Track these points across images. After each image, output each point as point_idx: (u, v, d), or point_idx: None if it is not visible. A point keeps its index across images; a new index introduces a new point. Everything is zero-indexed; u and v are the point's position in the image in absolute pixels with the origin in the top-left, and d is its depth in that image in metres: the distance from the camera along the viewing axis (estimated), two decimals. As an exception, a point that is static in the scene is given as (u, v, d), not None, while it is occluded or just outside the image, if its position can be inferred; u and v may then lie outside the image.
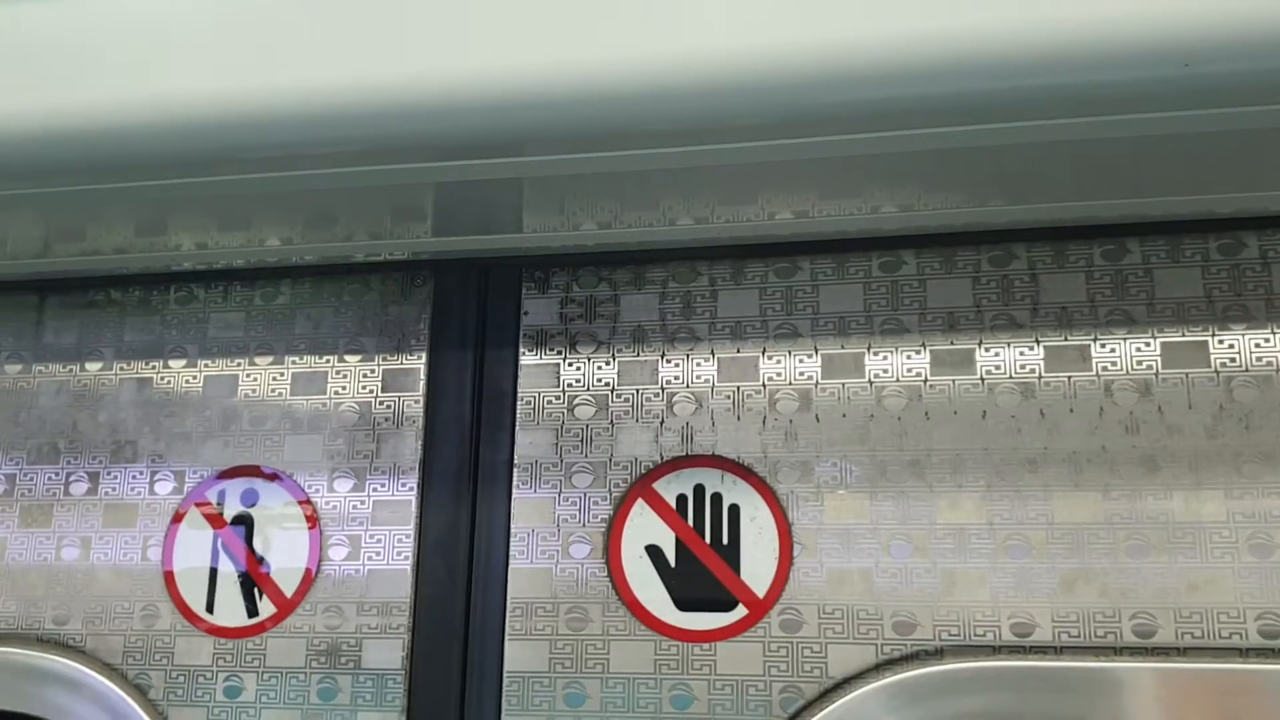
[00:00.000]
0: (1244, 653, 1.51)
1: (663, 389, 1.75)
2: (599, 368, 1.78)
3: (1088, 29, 1.21)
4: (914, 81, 1.29)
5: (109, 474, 1.90)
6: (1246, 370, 1.59)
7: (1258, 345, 1.60)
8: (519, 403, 1.79)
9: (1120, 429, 1.60)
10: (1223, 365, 1.60)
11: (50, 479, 1.92)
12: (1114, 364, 1.62)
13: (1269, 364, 1.59)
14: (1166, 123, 1.31)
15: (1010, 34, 1.24)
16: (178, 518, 1.86)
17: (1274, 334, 1.60)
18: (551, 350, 1.80)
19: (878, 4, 1.28)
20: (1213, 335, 1.61)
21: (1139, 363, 1.62)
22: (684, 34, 1.32)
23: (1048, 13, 1.21)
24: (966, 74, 1.27)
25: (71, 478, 1.92)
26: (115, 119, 1.47)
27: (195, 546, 1.84)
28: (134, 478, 1.89)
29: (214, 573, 1.83)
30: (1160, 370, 1.61)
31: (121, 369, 1.95)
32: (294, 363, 1.89)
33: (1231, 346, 1.60)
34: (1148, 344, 1.62)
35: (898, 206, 1.60)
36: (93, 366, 1.96)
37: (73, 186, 1.60)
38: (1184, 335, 1.62)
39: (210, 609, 1.81)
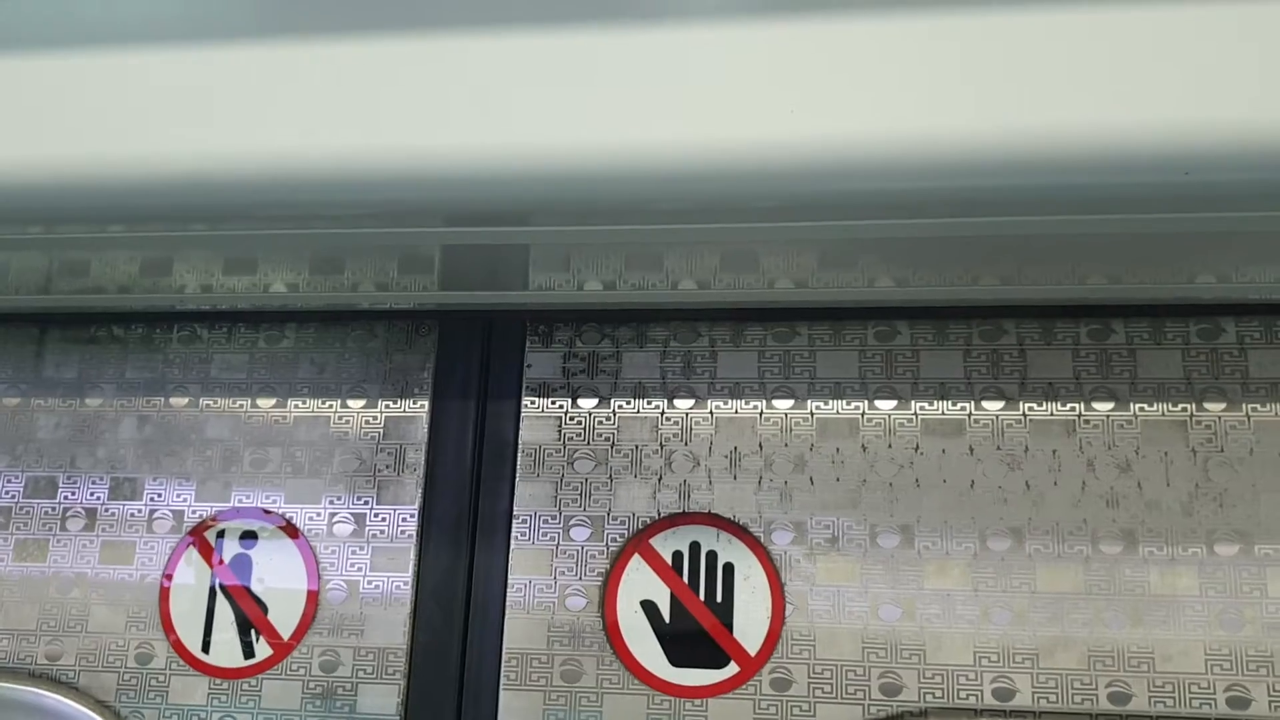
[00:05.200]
0: (1212, 722, 1.59)
1: (661, 446, 1.80)
2: (599, 423, 1.82)
3: (1094, 135, 1.27)
4: (918, 177, 1.34)
5: (107, 510, 1.92)
6: (1222, 450, 1.67)
7: (1233, 427, 1.68)
8: (520, 454, 1.83)
9: (1101, 502, 1.67)
10: (1199, 445, 1.68)
11: (47, 513, 1.93)
12: (1097, 439, 1.70)
13: (1243, 445, 1.67)
14: (1161, 223, 1.38)
15: (1020, 137, 1.30)
16: (175, 555, 1.88)
17: (1249, 416, 1.67)
18: (553, 403, 1.85)
19: (886, 100, 1.33)
20: (1191, 415, 1.69)
21: (1120, 439, 1.69)
22: (692, 118, 1.36)
23: (1061, 120, 1.27)
24: (970, 173, 1.32)
25: (69, 512, 1.93)
26: (128, 172, 1.48)
27: (192, 586, 1.86)
28: (132, 515, 1.91)
29: (210, 612, 1.85)
30: (1140, 447, 1.69)
31: (122, 405, 1.96)
32: (297, 406, 1.91)
33: (1208, 427, 1.68)
34: (1129, 421, 1.70)
35: (893, 280, 1.66)
36: (93, 402, 1.98)
37: (81, 234, 1.61)
38: (1164, 414, 1.69)
39: (206, 649, 1.83)
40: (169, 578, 1.87)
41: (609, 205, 1.43)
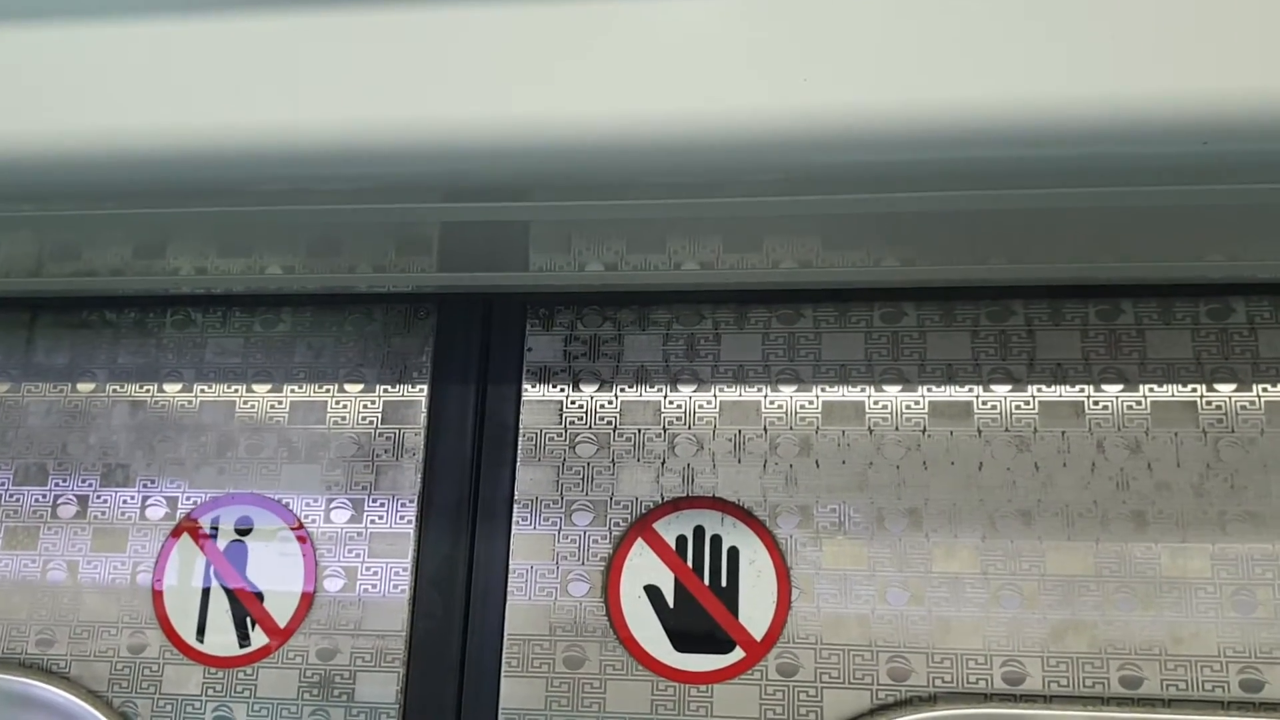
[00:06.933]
0: (1225, 705, 1.57)
1: (665, 429, 1.77)
2: (601, 406, 1.80)
3: (1113, 105, 1.25)
4: (931, 147, 1.32)
5: (99, 497, 1.88)
6: (1232, 431, 1.65)
7: (1243, 407, 1.66)
8: (520, 438, 1.80)
9: (1111, 485, 1.65)
10: (1210, 425, 1.66)
11: (38, 500, 1.90)
12: (1106, 420, 1.68)
13: (1254, 425, 1.65)
14: (1176, 195, 1.35)
15: (1029, 106, 1.27)
16: (169, 543, 1.85)
17: (1259, 396, 1.66)
18: (554, 387, 1.82)
19: (893, 69, 1.30)
20: (1201, 396, 1.67)
21: (1130, 420, 1.67)
22: (696, 89, 1.33)
23: (1072, 88, 1.25)
24: (981, 143, 1.30)
25: (60, 500, 1.89)
26: (121, 146, 1.45)
27: (187, 573, 1.83)
28: (125, 502, 1.88)
29: (205, 600, 1.82)
30: (1150, 428, 1.67)
31: (114, 391, 1.93)
32: (293, 391, 1.88)
33: (1219, 407, 1.66)
34: (1139, 402, 1.68)
35: (900, 260, 1.64)
36: (84, 387, 1.94)
37: (73, 211, 1.58)
38: (1173, 395, 1.67)
39: (201, 637, 1.80)
40: (162, 566, 1.84)
41: (612, 178, 1.40)
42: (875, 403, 1.73)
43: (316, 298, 1.92)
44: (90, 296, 1.97)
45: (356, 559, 1.79)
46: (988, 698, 1.61)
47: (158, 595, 1.83)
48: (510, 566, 1.75)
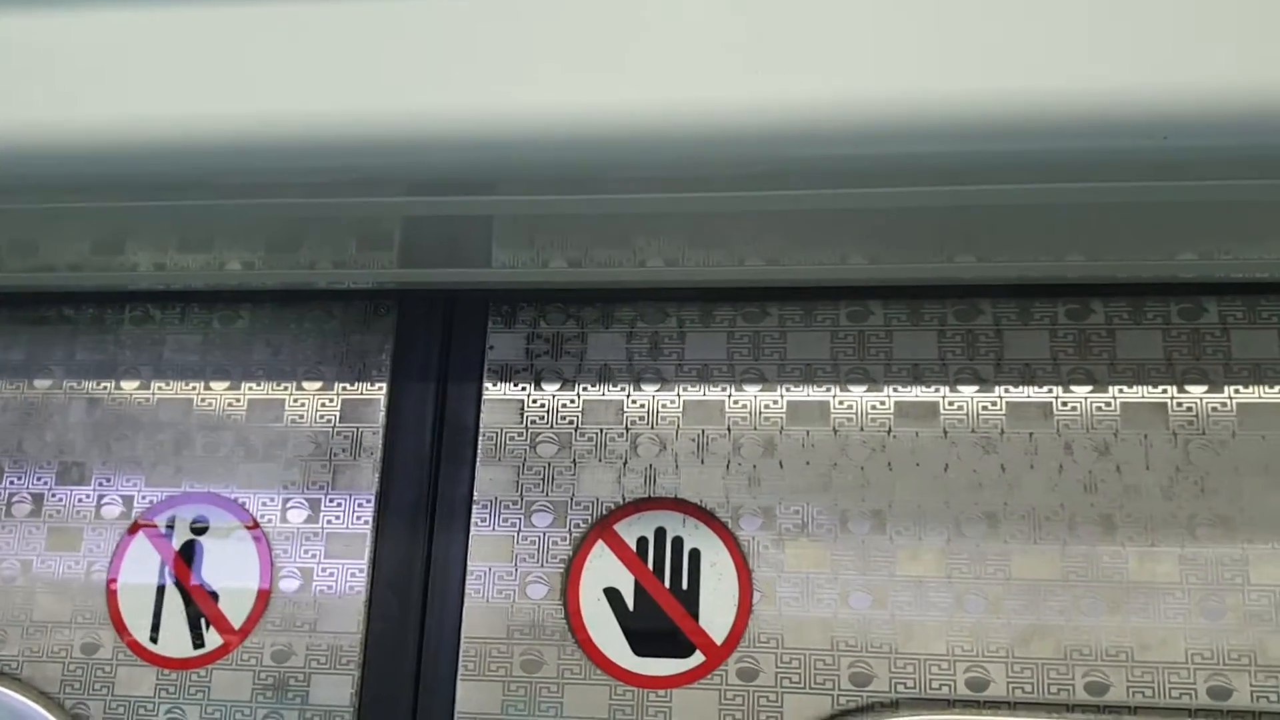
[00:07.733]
0: (1192, 713, 1.54)
1: (627, 429, 1.74)
2: (563, 405, 1.77)
3: (1071, 99, 1.22)
4: (891, 141, 1.29)
5: (54, 495, 1.85)
6: (1203, 433, 1.62)
7: (1214, 409, 1.63)
8: (480, 438, 1.77)
9: (1079, 487, 1.62)
10: (1180, 428, 1.63)
11: (-9, 499, 1.87)
12: (1075, 422, 1.64)
13: (1225, 427, 1.62)
14: (1139, 191, 1.33)
15: (990, 100, 1.25)
16: (124, 543, 1.82)
17: (1230, 399, 1.63)
18: (516, 386, 1.79)
19: (857, 63, 1.28)
20: (1171, 397, 1.64)
21: (1099, 422, 1.64)
22: (661, 82, 1.30)
23: (1033, 81, 1.22)
24: (944, 137, 1.28)
25: (14, 498, 1.86)
26: (78, 139, 1.42)
27: (141, 573, 1.80)
28: (80, 500, 1.84)
29: (160, 601, 1.78)
30: (1119, 430, 1.63)
31: (71, 388, 1.90)
32: (251, 388, 1.85)
33: (1189, 409, 1.63)
34: (1108, 404, 1.65)
35: (866, 258, 1.61)
36: (41, 384, 1.91)
37: (30, 205, 1.55)
38: (1143, 396, 1.64)
39: (154, 638, 1.77)
40: (117, 566, 1.81)
41: (576, 172, 1.38)
42: (840, 403, 1.70)
43: (276, 294, 1.89)
44: (48, 292, 1.94)
45: (312, 559, 1.76)
46: (951, 703, 1.58)
47: (112, 595, 1.80)
48: (468, 568, 1.72)
